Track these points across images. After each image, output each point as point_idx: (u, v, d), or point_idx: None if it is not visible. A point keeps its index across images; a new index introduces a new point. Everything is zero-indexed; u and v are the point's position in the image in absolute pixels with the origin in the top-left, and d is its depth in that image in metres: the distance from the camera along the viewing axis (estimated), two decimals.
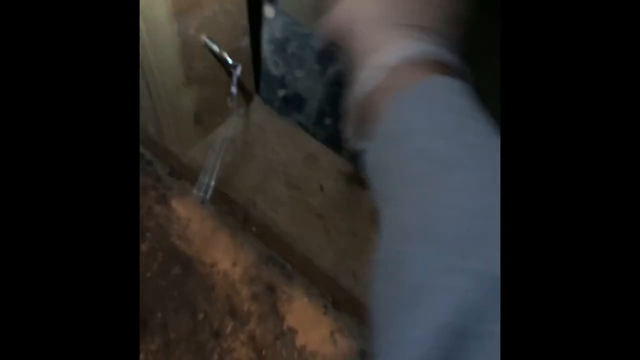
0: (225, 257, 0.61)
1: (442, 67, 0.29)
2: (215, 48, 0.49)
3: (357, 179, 0.62)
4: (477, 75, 0.33)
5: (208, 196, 0.57)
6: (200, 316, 0.57)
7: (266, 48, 0.73)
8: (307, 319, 0.58)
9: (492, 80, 0.33)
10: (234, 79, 0.50)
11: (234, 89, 0.53)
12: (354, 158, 0.67)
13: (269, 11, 0.75)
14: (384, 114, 0.28)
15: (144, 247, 0.61)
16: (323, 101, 0.70)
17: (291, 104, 0.70)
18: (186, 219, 0.63)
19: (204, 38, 0.48)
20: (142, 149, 0.67)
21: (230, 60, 0.49)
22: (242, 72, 0.51)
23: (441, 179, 0.24)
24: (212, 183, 0.56)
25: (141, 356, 0.54)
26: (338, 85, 0.71)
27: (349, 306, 0.57)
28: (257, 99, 0.64)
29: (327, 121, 0.69)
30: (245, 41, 0.54)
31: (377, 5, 0.31)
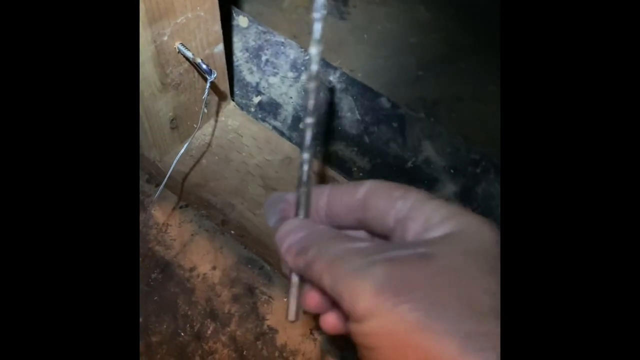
0: (205, 261, 0.62)
1: None
2: (189, 54, 0.50)
3: (331, 180, 0.64)
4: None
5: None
6: (181, 319, 0.58)
7: (241, 56, 0.74)
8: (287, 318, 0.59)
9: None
10: (209, 84, 0.51)
11: (208, 95, 0.54)
12: (329, 160, 0.69)
13: (243, 21, 0.77)
14: None
15: None
16: (297, 107, 0.72)
17: (266, 110, 0.72)
18: (164, 225, 0.64)
19: (178, 45, 0.49)
20: None
21: (204, 66, 0.50)
22: (217, 77, 0.53)
23: None
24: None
25: None
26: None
27: None
28: (232, 105, 0.65)
29: (302, 125, 0.70)
30: (220, 47, 0.55)
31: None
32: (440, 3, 0.98)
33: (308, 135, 0.30)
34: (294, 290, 0.31)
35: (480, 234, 0.27)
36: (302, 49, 0.75)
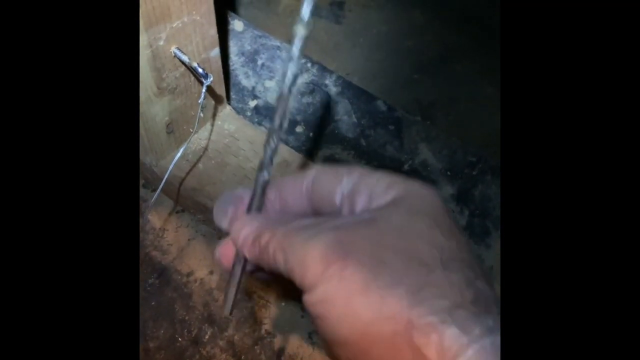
0: (202, 266, 0.61)
1: None
2: (185, 58, 0.50)
3: None
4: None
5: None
6: (179, 324, 0.57)
7: (236, 60, 0.74)
8: (284, 323, 0.59)
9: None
10: (205, 88, 0.51)
11: (205, 99, 0.54)
12: (325, 162, 0.68)
13: (238, 25, 0.77)
14: None
15: None
16: (294, 111, 0.72)
17: (263, 114, 0.72)
18: (161, 230, 0.63)
19: (174, 49, 0.49)
20: None
21: (201, 70, 0.50)
22: (213, 82, 0.52)
23: None
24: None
25: None
26: (308, 95, 0.73)
27: None
28: (228, 109, 0.65)
29: (299, 129, 0.70)
30: (216, 51, 0.55)
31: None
32: (435, 6, 0.99)
33: (268, 153, 0.30)
34: (232, 285, 0.31)
35: (423, 196, 0.27)
36: None
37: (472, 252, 0.26)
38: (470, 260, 0.25)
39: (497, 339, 0.22)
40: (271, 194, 0.32)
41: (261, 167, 0.30)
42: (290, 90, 0.27)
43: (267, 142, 0.30)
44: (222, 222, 0.32)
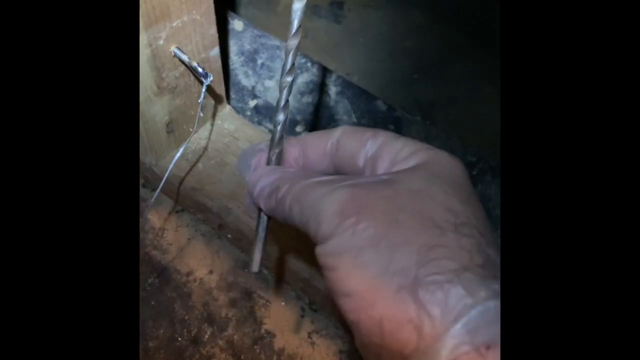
0: (201, 265, 0.61)
1: None
2: (185, 58, 0.50)
3: None
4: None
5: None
6: (178, 324, 0.57)
7: (236, 59, 0.74)
8: (284, 322, 0.59)
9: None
10: (205, 88, 0.51)
11: (204, 99, 0.54)
12: None
13: (238, 25, 0.77)
14: None
15: None
16: (294, 110, 0.72)
17: (262, 113, 0.72)
18: (161, 229, 0.63)
19: (174, 48, 0.49)
20: None
21: (200, 70, 0.50)
22: (213, 81, 0.52)
23: None
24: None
25: None
26: (308, 95, 0.73)
27: (325, 307, 0.58)
28: (228, 108, 0.65)
29: (299, 129, 0.70)
30: (216, 51, 0.55)
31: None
32: (435, 6, 0.99)
33: (285, 94, 0.31)
34: (259, 240, 0.32)
35: (446, 165, 0.27)
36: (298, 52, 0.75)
37: (487, 221, 0.26)
38: (483, 228, 0.25)
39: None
40: (295, 151, 0.32)
41: (277, 109, 0.31)
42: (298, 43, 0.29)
43: (281, 84, 0.30)
44: (245, 173, 0.32)
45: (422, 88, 0.89)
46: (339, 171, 0.31)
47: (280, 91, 0.31)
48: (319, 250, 0.25)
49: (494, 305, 0.22)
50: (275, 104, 0.73)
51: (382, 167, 0.28)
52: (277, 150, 0.31)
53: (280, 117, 0.31)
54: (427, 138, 0.70)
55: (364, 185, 0.26)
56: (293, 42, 0.30)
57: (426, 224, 0.24)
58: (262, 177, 0.30)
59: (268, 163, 0.32)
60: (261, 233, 0.32)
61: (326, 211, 0.25)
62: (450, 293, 0.22)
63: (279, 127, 0.31)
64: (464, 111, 0.87)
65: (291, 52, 0.30)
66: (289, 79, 0.30)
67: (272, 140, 0.31)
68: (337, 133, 0.30)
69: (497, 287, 0.22)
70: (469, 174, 0.28)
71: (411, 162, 0.27)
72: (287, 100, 0.31)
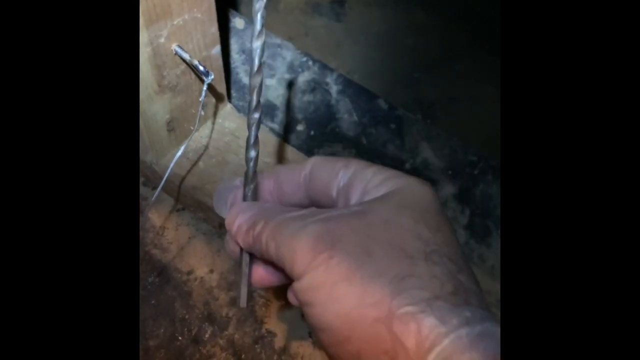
0: (202, 264, 0.61)
1: None
2: (186, 56, 0.50)
3: None
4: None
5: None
6: (179, 323, 0.57)
7: (237, 58, 0.74)
8: (285, 321, 0.58)
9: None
10: (206, 86, 0.51)
11: (205, 97, 0.54)
12: None
13: (239, 23, 0.77)
14: None
15: None
16: (295, 109, 0.71)
17: (263, 112, 0.71)
18: (161, 228, 0.63)
19: (175, 46, 0.49)
20: None
21: (202, 68, 0.50)
22: (214, 79, 0.52)
23: None
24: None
25: None
26: (309, 93, 0.72)
27: None
28: (229, 107, 0.65)
29: (300, 127, 0.70)
30: (217, 49, 0.55)
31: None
32: (436, 5, 0.98)
33: (254, 131, 0.31)
34: (244, 276, 0.32)
35: (415, 192, 0.28)
36: (299, 51, 0.75)
37: (459, 247, 0.26)
38: (454, 254, 0.26)
39: (474, 330, 0.22)
40: (269, 184, 0.32)
41: (247, 146, 0.31)
42: (260, 64, 0.29)
43: (249, 121, 0.31)
44: (222, 211, 0.32)
45: (423, 87, 0.89)
46: (314, 202, 0.31)
47: (249, 128, 0.31)
48: (296, 286, 0.26)
49: (466, 332, 0.22)
50: (276, 103, 0.73)
51: (355, 197, 0.29)
52: (252, 186, 0.32)
53: (252, 153, 0.31)
54: (428, 137, 0.70)
55: (335, 218, 0.26)
56: (257, 44, 0.30)
57: (397, 254, 0.24)
58: (239, 214, 0.30)
59: (244, 199, 0.32)
60: (245, 269, 0.32)
61: (300, 248, 0.25)
62: (423, 323, 0.22)
63: (251, 164, 0.31)
64: (466, 110, 0.87)
65: (257, 54, 0.30)
66: (258, 79, 0.30)
67: (246, 176, 0.32)
68: (308, 165, 0.31)
69: (468, 314, 0.23)
70: (439, 199, 0.28)
71: (382, 190, 0.28)
72: (256, 137, 0.31)
